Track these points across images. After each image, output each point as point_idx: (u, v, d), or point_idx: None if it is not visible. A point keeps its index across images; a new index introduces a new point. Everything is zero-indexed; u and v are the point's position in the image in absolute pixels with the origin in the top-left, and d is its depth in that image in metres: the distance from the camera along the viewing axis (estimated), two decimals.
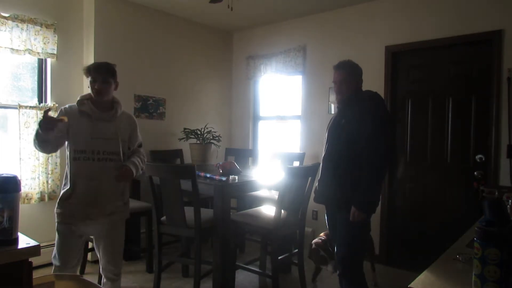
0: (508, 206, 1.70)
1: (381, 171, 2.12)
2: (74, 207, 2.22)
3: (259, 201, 3.70)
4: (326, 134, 2.36)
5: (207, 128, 4.26)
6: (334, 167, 2.24)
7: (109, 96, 2.34)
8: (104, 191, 2.26)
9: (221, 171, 3.24)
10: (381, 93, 3.62)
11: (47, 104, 3.48)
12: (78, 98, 2.33)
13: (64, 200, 2.23)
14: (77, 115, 2.25)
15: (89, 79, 2.30)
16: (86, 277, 2.18)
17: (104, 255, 2.35)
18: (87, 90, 3.71)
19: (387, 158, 2.12)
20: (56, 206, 2.27)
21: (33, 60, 3.54)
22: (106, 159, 2.27)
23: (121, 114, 2.38)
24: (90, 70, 2.30)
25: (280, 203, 2.74)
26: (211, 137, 4.23)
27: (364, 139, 2.10)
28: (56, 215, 2.26)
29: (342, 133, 2.22)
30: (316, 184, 2.44)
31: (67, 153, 2.28)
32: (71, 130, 2.23)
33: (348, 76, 2.26)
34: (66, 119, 2.09)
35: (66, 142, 2.28)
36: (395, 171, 3.71)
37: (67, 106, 2.32)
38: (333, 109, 4.05)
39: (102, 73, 2.29)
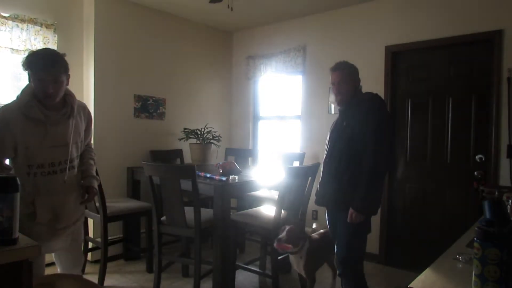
0: (508, 206, 1.70)
1: (379, 173, 2.12)
2: (39, 228, 1.86)
3: (259, 201, 3.70)
4: (328, 137, 2.37)
5: (207, 128, 4.26)
6: (335, 168, 2.24)
7: (61, 95, 1.89)
8: (69, 203, 1.99)
9: (221, 171, 3.23)
10: (381, 93, 3.62)
11: None
12: (22, 100, 1.81)
13: (26, 222, 1.76)
14: (23, 121, 1.79)
15: (31, 75, 1.80)
16: (86, 277, 2.18)
17: (69, 260, 2.15)
18: (87, 90, 3.74)
19: (385, 160, 2.13)
20: None
21: None
22: (68, 168, 1.94)
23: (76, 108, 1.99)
24: (33, 66, 1.76)
25: (280, 203, 2.74)
26: (211, 137, 4.23)
27: (364, 141, 2.10)
28: None
29: (343, 135, 2.23)
30: (317, 186, 2.44)
31: (13, 167, 1.86)
32: (19, 145, 1.79)
33: (346, 76, 2.28)
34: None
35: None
36: (395, 171, 3.71)
37: (5, 111, 1.81)
38: (333, 109, 4.05)
39: (51, 72, 1.77)
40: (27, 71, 1.81)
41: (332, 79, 2.33)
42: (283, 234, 2.47)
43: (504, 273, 0.94)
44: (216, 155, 4.64)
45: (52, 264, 3.47)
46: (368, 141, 2.09)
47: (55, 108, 1.88)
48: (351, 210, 2.13)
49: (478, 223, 1.02)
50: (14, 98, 1.88)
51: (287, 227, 2.50)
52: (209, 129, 4.27)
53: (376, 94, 2.27)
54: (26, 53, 3.14)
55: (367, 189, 2.10)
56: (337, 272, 2.31)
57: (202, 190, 2.88)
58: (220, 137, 4.40)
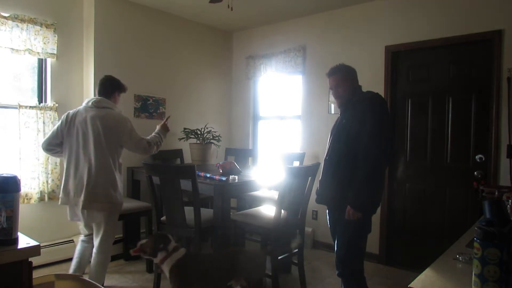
0: (508, 206, 1.70)
1: (374, 172, 2.11)
2: None
3: (259, 201, 3.70)
4: (330, 137, 2.37)
5: (207, 128, 4.26)
6: (334, 167, 2.25)
7: None
8: None
9: (221, 171, 3.23)
10: (381, 93, 3.61)
11: (47, 104, 3.48)
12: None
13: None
14: None
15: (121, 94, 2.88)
16: (86, 277, 2.18)
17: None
18: (87, 90, 3.75)
19: (380, 158, 2.13)
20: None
21: (33, 60, 3.53)
22: None
23: None
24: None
25: (280, 203, 2.74)
26: (211, 137, 4.23)
27: (362, 139, 2.11)
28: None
29: (342, 133, 2.24)
30: (318, 185, 2.44)
31: (120, 160, 2.70)
32: None
33: (341, 80, 2.30)
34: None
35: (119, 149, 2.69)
36: (395, 171, 3.71)
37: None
38: (333, 109, 4.05)
39: None
40: (123, 93, 2.86)
41: (329, 84, 2.37)
42: (145, 240, 2.30)
43: (504, 273, 0.94)
44: (216, 155, 4.63)
45: (52, 264, 3.48)
46: (366, 140, 2.10)
47: None
48: (348, 208, 2.14)
49: (478, 223, 1.02)
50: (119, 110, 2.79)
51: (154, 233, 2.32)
52: (209, 129, 4.27)
53: (377, 94, 2.28)
54: (26, 53, 3.19)
55: (362, 186, 2.11)
56: (336, 272, 2.31)
57: (202, 190, 2.88)
58: (220, 137, 4.40)
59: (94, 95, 3.69)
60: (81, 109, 2.67)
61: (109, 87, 2.76)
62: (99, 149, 2.55)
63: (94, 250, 2.68)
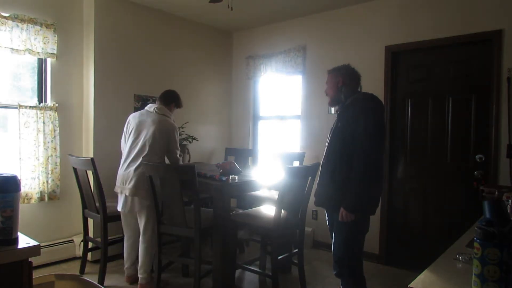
0: (508, 206, 1.70)
1: (368, 173, 2.11)
2: None
3: (259, 201, 3.70)
4: (328, 139, 2.38)
5: (183, 127, 4.19)
6: (331, 169, 2.26)
7: None
8: None
9: (221, 171, 3.23)
10: (381, 93, 3.63)
11: (47, 104, 3.48)
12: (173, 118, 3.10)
13: None
14: None
15: (177, 105, 3.19)
16: (86, 277, 2.18)
17: None
18: (87, 90, 3.75)
19: (375, 159, 2.13)
20: None
21: (33, 60, 3.53)
22: None
23: None
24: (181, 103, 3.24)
25: (280, 203, 2.74)
26: (186, 137, 4.14)
27: (357, 141, 2.12)
28: None
29: (339, 136, 2.25)
30: (316, 187, 2.45)
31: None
32: None
33: (330, 79, 2.36)
34: None
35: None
36: (395, 171, 3.71)
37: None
38: (333, 109, 4.05)
39: None
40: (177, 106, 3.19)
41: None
42: None
43: (504, 273, 0.95)
44: (189, 159, 4.35)
45: (52, 264, 3.48)
46: (360, 141, 2.10)
47: None
48: (341, 209, 2.15)
49: (478, 223, 1.02)
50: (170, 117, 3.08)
51: None
52: (184, 128, 4.20)
53: (372, 95, 2.28)
54: (26, 53, 3.16)
55: (356, 188, 2.11)
56: (334, 272, 2.31)
57: (202, 190, 2.87)
58: (194, 138, 4.27)
59: (94, 95, 3.73)
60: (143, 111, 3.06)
61: (168, 98, 3.14)
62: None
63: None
